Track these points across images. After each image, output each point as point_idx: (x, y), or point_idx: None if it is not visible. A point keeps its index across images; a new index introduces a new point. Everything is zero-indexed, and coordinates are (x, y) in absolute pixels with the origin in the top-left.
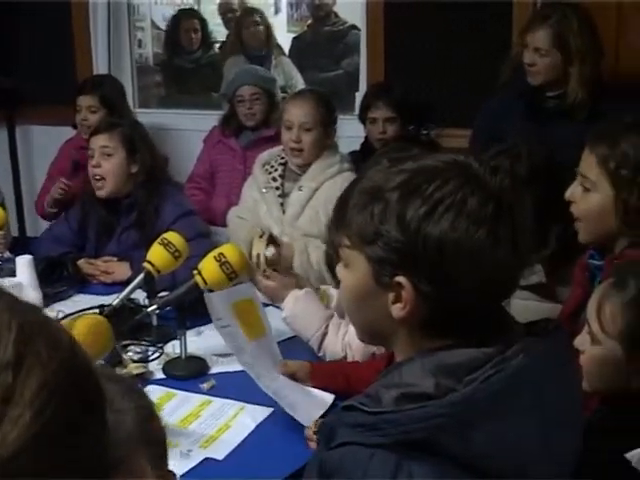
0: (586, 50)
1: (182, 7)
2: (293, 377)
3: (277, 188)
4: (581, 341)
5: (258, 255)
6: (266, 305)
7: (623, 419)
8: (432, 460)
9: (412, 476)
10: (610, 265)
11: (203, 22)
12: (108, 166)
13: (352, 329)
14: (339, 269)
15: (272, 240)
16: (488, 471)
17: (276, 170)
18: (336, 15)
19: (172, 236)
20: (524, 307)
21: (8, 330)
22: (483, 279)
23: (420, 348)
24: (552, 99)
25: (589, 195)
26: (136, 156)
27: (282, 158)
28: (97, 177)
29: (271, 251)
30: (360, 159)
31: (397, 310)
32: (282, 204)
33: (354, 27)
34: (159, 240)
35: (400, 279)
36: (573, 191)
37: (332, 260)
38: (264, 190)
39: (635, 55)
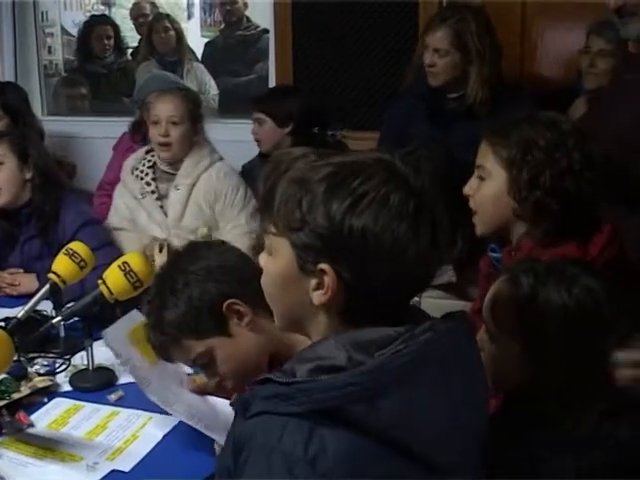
0: (484, 50)
1: (93, 13)
2: (203, 391)
3: (153, 192)
4: (480, 339)
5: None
6: None
7: (523, 413)
8: (344, 428)
9: (324, 443)
10: (508, 256)
11: (115, 28)
12: (1, 175)
13: None
14: (262, 257)
15: (170, 249)
16: (398, 441)
17: (147, 174)
18: (248, 19)
19: (77, 246)
20: (436, 306)
21: None
22: (401, 272)
23: (335, 332)
24: (453, 100)
25: (484, 184)
26: (28, 161)
27: (149, 161)
28: None
29: None
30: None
31: (318, 296)
32: (161, 207)
33: (266, 31)
34: (64, 250)
35: (323, 266)
36: (470, 184)
37: (162, 346)
38: (140, 196)
39: (538, 56)
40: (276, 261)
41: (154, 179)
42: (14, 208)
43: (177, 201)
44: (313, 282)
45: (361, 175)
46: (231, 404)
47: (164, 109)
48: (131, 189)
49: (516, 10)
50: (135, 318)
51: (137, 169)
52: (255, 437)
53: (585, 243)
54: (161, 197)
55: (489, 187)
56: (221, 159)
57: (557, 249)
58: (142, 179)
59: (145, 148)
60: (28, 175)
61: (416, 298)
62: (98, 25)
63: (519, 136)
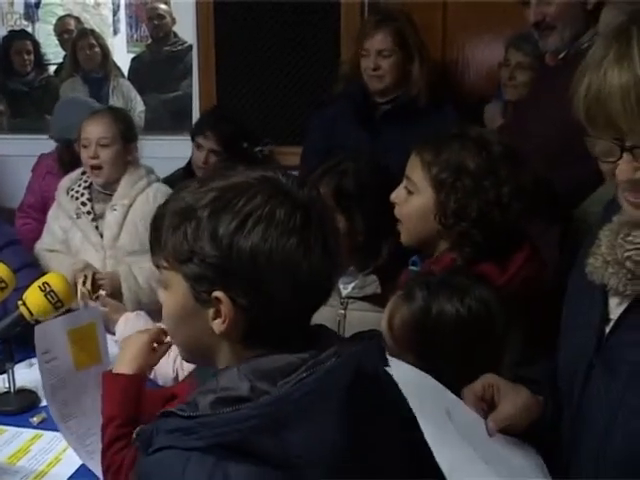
0: (423, 47)
1: (13, 28)
2: None
3: (89, 212)
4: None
5: (86, 303)
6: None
7: None
8: (250, 461)
9: (229, 477)
10: (427, 268)
11: (35, 43)
12: None
13: None
14: (160, 292)
15: (94, 281)
16: (303, 472)
17: (82, 194)
18: (175, 35)
19: None
20: (360, 318)
21: None
22: (298, 286)
23: (241, 358)
24: (382, 105)
25: (412, 197)
26: None
27: (85, 181)
28: None
29: (102, 295)
30: (182, 179)
31: (218, 325)
32: (97, 227)
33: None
34: None
35: (218, 294)
36: (398, 193)
37: None
38: (75, 216)
39: (459, 68)
40: (172, 295)
41: (90, 199)
42: None
43: (113, 222)
44: (211, 312)
45: (244, 195)
46: (132, 442)
47: (93, 131)
48: (66, 209)
49: (437, 23)
50: (89, 314)
51: (72, 189)
52: (157, 474)
53: (504, 261)
54: (97, 217)
55: (416, 203)
56: (158, 180)
57: (476, 266)
58: (77, 199)
59: (81, 169)
60: None
61: (341, 311)
62: (17, 40)
63: (449, 156)
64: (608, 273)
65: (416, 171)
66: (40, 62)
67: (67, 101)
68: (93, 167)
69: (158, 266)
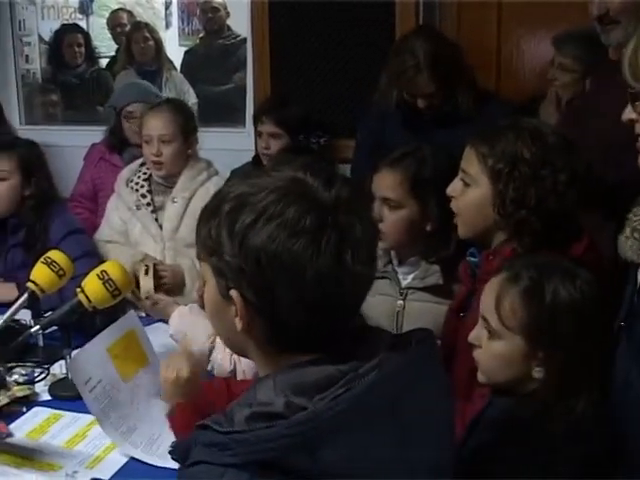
0: (465, 71)
1: (66, 22)
2: None
3: (148, 204)
4: (476, 336)
5: (148, 291)
6: (154, 322)
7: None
8: (284, 478)
9: None
10: (486, 260)
11: (86, 36)
12: (1, 189)
13: None
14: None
15: (156, 271)
16: None
17: (142, 186)
18: (229, 28)
19: (55, 254)
20: (420, 309)
21: None
22: (304, 292)
23: (277, 364)
24: (428, 108)
25: (469, 190)
26: (31, 180)
27: (145, 173)
28: None
29: (152, 294)
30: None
31: (237, 323)
32: (156, 219)
33: (246, 40)
34: (42, 259)
35: (232, 292)
36: (454, 187)
37: None
38: (135, 208)
39: (514, 65)
40: (207, 289)
41: (149, 191)
42: (3, 217)
43: (173, 214)
44: (233, 309)
45: (262, 192)
46: (170, 452)
47: (155, 127)
48: (126, 201)
49: (492, 19)
50: (127, 324)
51: (132, 181)
52: None
53: (564, 251)
54: (156, 209)
55: (473, 195)
56: (217, 173)
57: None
58: (137, 191)
59: (140, 160)
60: (27, 192)
61: (400, 302)
62: (69, 33)
63: (505, 146)
64: (627, 247)
65: (472, 164)
66: (91, 55)
67: (131, 81)
68: (155, 162)
69: (198, 258)
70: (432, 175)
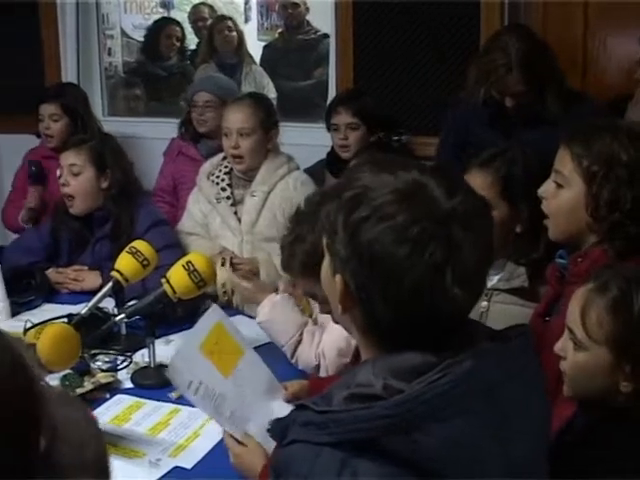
0: (554, 71)
1: (154, 15)
2: (295, 398)
3: (228, 197)
4: (562, 347)
5: (224, 284)
6: (236, 314)
7: (610, 430)
8: (379, 460)
9: (357, 475)
10: (575, 263)
11: (183, 32)
12: (77, 185)
13: (327, 338)
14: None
15: (233, 263)
16: (436, 473)
17: (223, 180)
18: (309, 24)
19: (140, 244)
20: (504, 311)
21: None
22: (400, 298)
23: (376, 349)
24: (514, 108)
25: (561, 191)
26: (106, 172)
27: (226, 167)
28: (66, 195)
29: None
30: (326, 168)
31: (338, 306)
32: (235, 212)
33: (327, 36)
34: (127, 249)
35: (337, 277)
36: (546, 187)
37: (287, 264)
38: (215, 201)
39: (600, 63)
40: (324, 261)
41: (230, 185)
42: (87, 212)
43: (252, 207)
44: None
45: (383, 190)
46: (268, 430)
47: (234, 120)
48: (207, 194)
49: (578, 18)
50: (211, 319)
51: (213, 174)
52: (290, 466)
53: None
54: (236, 203)
55: (566, 196)
56: (298, 168)
57: (626, 262)
58: (218, 184)
59: (222, 154)
60: (104, 185)
61: (484, 303)
62: (170, 25)
63: (601, 147)
64: None
65: (566, 164)
66: (183, 50)
67: (208, 74)
68: (234, 156)
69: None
70: (522, 176)
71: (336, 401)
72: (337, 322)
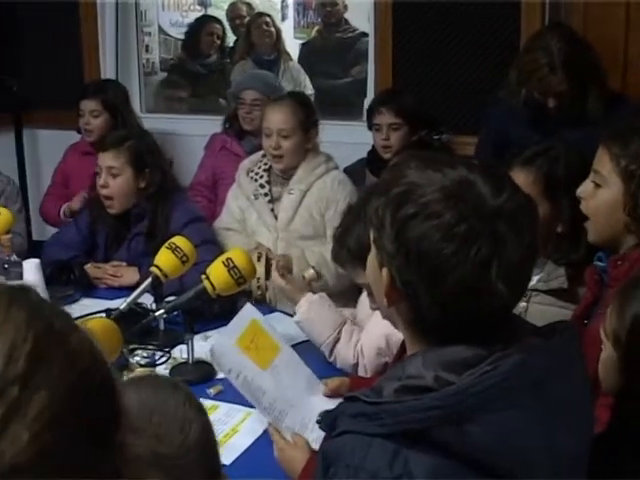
0: (597, 71)
1: (192, 12)
2: (335, 394)
3: (266, 194)
4: (607, 357)
5: (258, 280)
6: (272, 311)
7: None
8: (430, 451)
9: (409, 465)
10: (614, 266)
11: (224, 30)
12: (115, 186)
13: (365, 337)
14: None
15: (268, 259)
16: (486, 465)
17: (262, 177)
18: (347, 22)
19: (180, 240)
20: (543, 312)
21: (23, 342)
22: (445, 294)
23: (423, 342)
24: (555, 108)
25: (600, 191)
26: (144, 172)
27: (265, 164)
28: (105, 196)
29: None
30: (367, 166)
31: (384, 299)
32: (272, 210)
33: (365, 34)
34: (167, 245)
35: (383, 270)
36: (585, 188)
37: (337, 255)
38: (253, 197)
39: None
40: (370, 253)
41: (268, 182)
42: (125, 210)
43: (289, 205)
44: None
45: (430, 188)
46: (318, 421)
47: (274, 121)
48: (245, 190)
49: (619, 17)
50: (246, 316)
51: (252, 171)
52: (341, 457)
53: None
54: (273, 200)
55: (603, 196)
56: (336, 167)
57: None
58: (256, 181)
59: (262, 151)
60: (142, 184)
61: (523, 303)
62: (212, 22)
63: (639, 147)
64: None
65: (604, 164)
66: (223, 48)
67: (255, 71)
68: (274, 155)
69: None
70: (565, 175)
71: (387, 393)
72: (385, 316)
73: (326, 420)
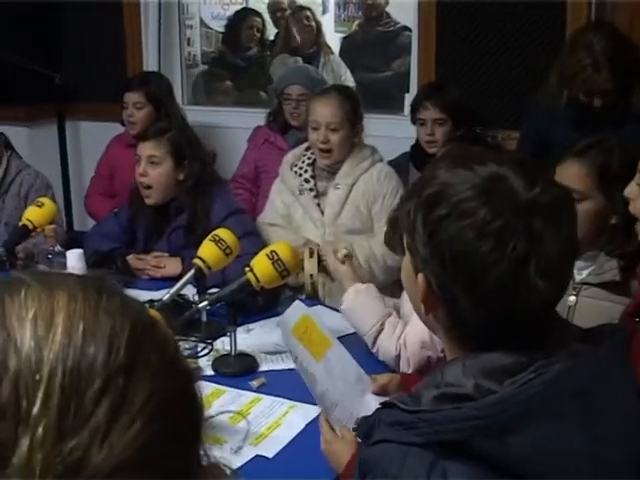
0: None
1: (233, 6)
2: (383, 390)
3: (311, 189)
4: None
5: (311, 276)
6: (317, 304)
7: None
8: (469, 462)
9: (446, 476)
10: None
11: (264, 24)
12: (155, 175)
13: (410, 330)
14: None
15: (319, 254)
16: (525, 475)
17: (306, 171)
18: (388, 15)
19: (223, 232)
20: (594, 306)
21: (121, 331)
22: (485, 295)
23: (463, 348)
24: (598, 108)
25: None
26: (184, 164)
27: (309, 158)
28: (144, 185)
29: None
30: (410, 161)
31: (421, 305)
32: (318, 204)
33: (406, 28)
34: (210, 237)
35: (419, 276)
36: (631, 189)
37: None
38: (298, 192)
39: None
40: (404, 258)
41: (313, 176)
42: (163, 203)
43: (335, 200)
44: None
45: (461, 187)
46: (354, 429)
47: (323, 114)
48: (289, 185)
49: None
50: (297, 311)
51: (296, 165)
52: (377, 466)
53: None
54: (319, 195)
55: None
56: (381, 160)
57: None
58: (301, 175)
59: (305, 145)
60: (181, 176)
61: (572, 297)
62: (252, 16)
63: None
64: None
65: None
66: (263, 41)
67: (298, 65)
68: (322, 150)
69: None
70: (619, 167)
71: (425, 400)
72: (423, 323)
73: (363, 427)
